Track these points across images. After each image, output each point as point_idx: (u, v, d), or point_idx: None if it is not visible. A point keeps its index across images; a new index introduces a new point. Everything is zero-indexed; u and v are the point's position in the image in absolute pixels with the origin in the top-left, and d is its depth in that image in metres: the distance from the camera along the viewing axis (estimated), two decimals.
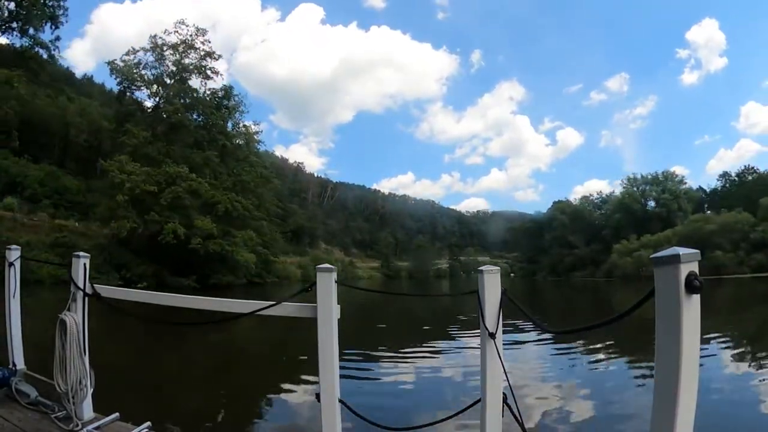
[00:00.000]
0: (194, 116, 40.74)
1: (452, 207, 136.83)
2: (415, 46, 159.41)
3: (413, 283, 73.60)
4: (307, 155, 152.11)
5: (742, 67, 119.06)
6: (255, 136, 45.69)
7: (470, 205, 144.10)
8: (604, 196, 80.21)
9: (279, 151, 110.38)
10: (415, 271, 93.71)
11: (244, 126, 44.74)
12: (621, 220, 66.81)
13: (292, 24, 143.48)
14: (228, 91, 43.07)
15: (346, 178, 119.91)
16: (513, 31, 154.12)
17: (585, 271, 67.04)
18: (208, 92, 41.49)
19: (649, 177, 70.18)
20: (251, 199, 39.91)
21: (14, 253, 3.42)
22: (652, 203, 68.36)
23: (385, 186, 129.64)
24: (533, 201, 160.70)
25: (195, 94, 40.33)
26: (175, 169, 33.86)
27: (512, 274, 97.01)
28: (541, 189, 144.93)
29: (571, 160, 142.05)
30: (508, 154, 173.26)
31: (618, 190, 77.45)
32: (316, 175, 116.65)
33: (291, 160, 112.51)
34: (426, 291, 44.58)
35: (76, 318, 2.83)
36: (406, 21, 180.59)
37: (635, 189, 70.36)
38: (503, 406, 2.17)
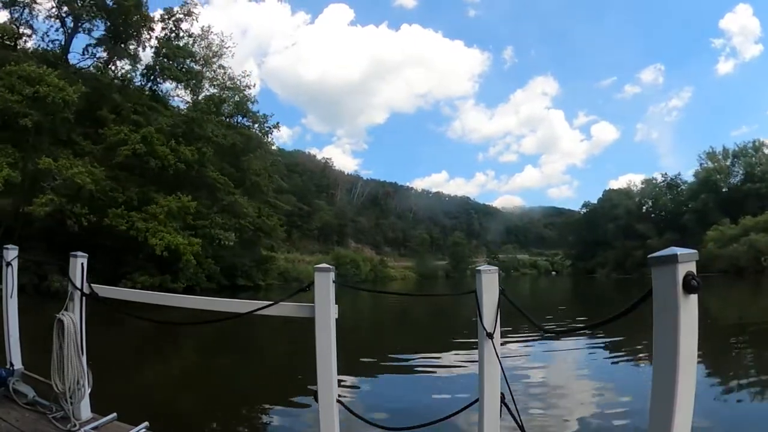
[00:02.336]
0: None
1: (487, 203, 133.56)
2: (446, 44, 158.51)
3: (450, 283, 68.68)
4: (340, 157, 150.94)
5: None
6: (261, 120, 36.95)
7: (504, 202, 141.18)
8: (669, 179, 68.26)
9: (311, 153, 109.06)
10: (453, 270, 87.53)
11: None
12: (707, 203, 55.70)
13: (321, 26, 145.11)
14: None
15: (379, 177, 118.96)
16: (544, 26, 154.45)
17: None
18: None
19: (736, 149, 58.84)
20: (230, 169, 31.74)
21: (11, 253, 3.41)
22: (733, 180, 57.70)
23: (419, 185, 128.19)
24: (568, 197, 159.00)
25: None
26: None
27: (554, 273, 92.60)
28: (576, 185, 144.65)
29: (606, 155, 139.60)
30: (542, 151, 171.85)
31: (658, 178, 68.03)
32: (346, 173, 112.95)
33: (319, 157, 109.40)
34: (441, 292, 42.66)
35: (73, 318, 2.83)
36: (437, 19, 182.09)
37: (715, 165, 59.03)
38: (501, 405, 2.17)
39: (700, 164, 61.63)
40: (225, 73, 37.22)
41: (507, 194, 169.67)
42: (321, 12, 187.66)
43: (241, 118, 36.86)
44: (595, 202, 77.26)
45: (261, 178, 36.09)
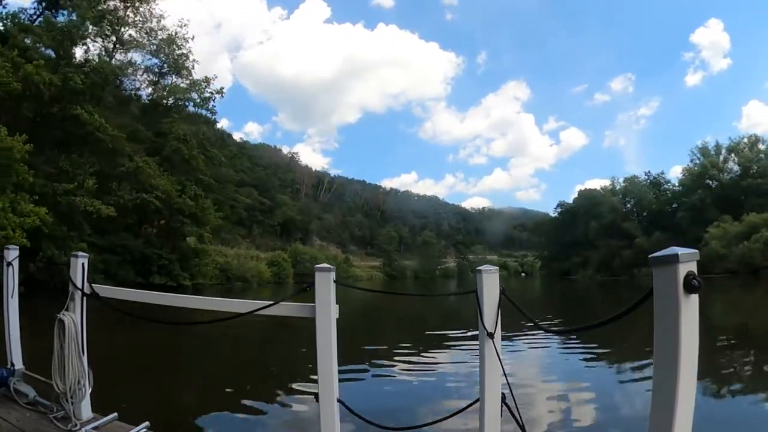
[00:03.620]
0: None
1: (457, 204, 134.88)
2: (422, 45, 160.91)
3: (419, 283, 68.08)
4: (311, 155, 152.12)
5: (746, 68, 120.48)
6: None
7: (473, 203, 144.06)
8: (653, 177, 65.16)
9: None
10: (421, 270, 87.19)
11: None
12: (704, 199, 52.71)
13: (297, 22, 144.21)
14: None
15: (348, 176, 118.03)
16: (519, 33, 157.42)
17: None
18: None
19: (731, 144, 55.78)
20: (146, 132, 26.53)
21: (12, 253, 3.42)
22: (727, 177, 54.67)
23: (387, 185, 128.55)
24: (535, 201, 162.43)
25: None
26: None
27: (523, 274, 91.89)
28: (543, 189, 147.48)
29: (574, 160, 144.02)
30: (512, 154, 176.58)
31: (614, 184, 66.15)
32: (313, 169, 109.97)
33: (285, 151, 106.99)
34: (432, 292, 40.99)
35: (74, 318, 2.83)
36: (415, 21, 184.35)
37: (710, 160, 55.80)
38: (502, 405, 2.17)
39: (692, 160, 59.15)
40: (155, 17, 30.49)
41: (475, 196, 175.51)
42: (297, 8, 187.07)
43: (174, 78, 31.45)
44: (571, 202, 75.53)
45: (187, 147, 29.03)
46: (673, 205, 60.09)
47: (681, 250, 1.19)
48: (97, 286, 2.97)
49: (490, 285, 2.23)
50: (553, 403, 5.62)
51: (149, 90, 31.15)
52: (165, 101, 30.64)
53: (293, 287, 44.18)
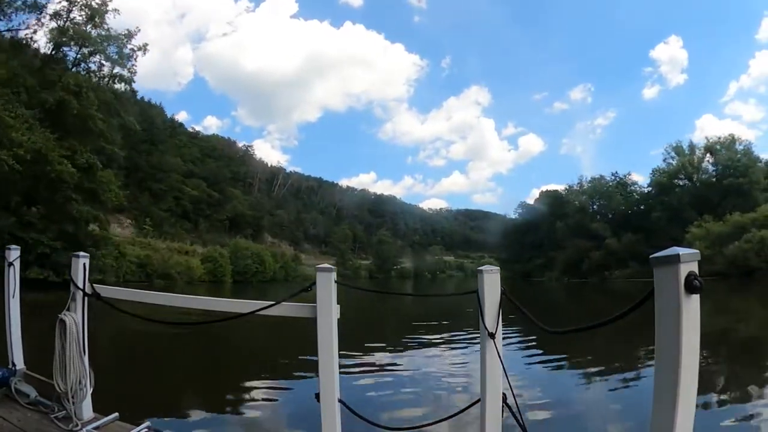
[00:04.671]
0: None
1: (414, 204, 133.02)
2: (387, 46, 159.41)
3: (374, 284, 65.68)
4: (270, 151, 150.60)
5: (701, 83, 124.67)
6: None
7: (430, 205, 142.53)
8: (619, 178, 63.82)
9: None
10: (376, 270, 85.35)
11: None
12: (682, 197, 51.57)
13: (263, 15, 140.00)
14: None
15: (307, 173, 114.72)
16: (484, 40, 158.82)
17: (628, 269, 47.61)
18: None
19: (707, 144, 54.25)
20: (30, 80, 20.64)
21: (14, 253, 3.42)
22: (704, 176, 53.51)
23: (346, 184, 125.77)
24: (491, 203, 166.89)
25: None
26: None
27: None
28: (500, 192, 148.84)
29: (531, 166, 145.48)
30: (470, 158, 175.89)
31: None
32: (269, 164, 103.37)
33: (240, 144, 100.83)
34: (354, 294, 41.08)
35: (75, 318, 2.84)
36: (382, 21, 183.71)
37: (687, 159, 54.64)
38: (503, 405, 2.17)
39: (664, 159, 57.69)
40: None
41: (433, 197, 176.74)
42: (264, 0, 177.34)
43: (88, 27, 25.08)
44: (532, 203, 75.07)
45: (80, 103, 22.94)
46: (641, 207, 59.49)
47: (683, 250, 1.19)
48: (98, 286, 2.98)
49: (492, 285, 2.23)
50: (554, 403, 5.62)
51: (47, 36, 24.15)
52: (69, 49, 24.51)
53: (231, 288, 42.24)
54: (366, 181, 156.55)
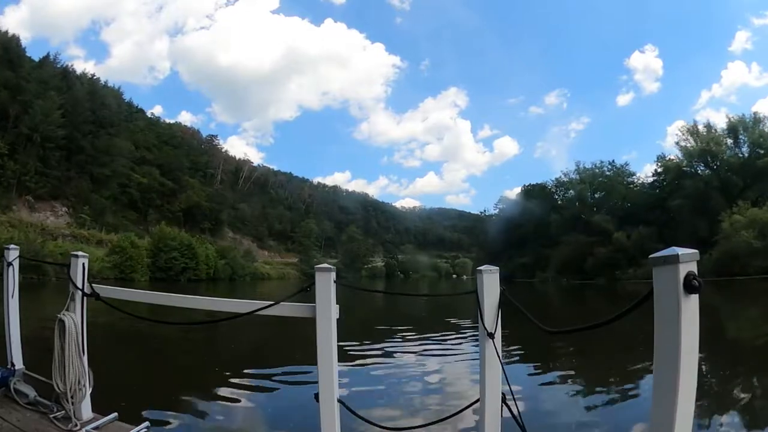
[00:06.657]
0: None
1: (387, 202, 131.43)
2: (367, 46, 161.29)
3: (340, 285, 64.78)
4: (244, 149, 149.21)
5: (674, 91, 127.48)
6: None
7: (404, 204, 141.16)
8: (618, 166, 55.75)
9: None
10: (345, 269, 76.76)
11: None
12: (709, 182, 43.90)
13: (242, 10, 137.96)
14: None
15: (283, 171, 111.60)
16: (463, 44, 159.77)
17: (641, 268, 38.43)
18: None
19: (733, 121, 45.65)
20: None
21: (13, 253, 3.42)
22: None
23: (318, 181, 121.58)
24: (465, 204, 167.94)
25: None
26: None
27: (454, 276, 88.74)
28: (473, 193, 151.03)
29: (505, 168, 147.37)
30: (446, 159, 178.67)
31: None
32: (237, 157, 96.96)
33: (205, 135, 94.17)
34: (355, 295, 37.62)
35: (74, 318, 2.83)
36: (364, 21, 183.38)
37: (712, 138, 46.26)
38: (502, 405, 2.17)
39: (677, 143, 50.25)
40: None
41: (407, 197, 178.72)
42: None
43: None
44: (513, 198, 69.04)
45: None
46: (653, 196, 51.80)
47: (681, 250, 1.19)
48: (97, 286, 2.97)
49: (491, 285, 2.23)
50: (554, 403, 5.62)
51: None
52: None
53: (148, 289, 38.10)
54: (340, 180, 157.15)
